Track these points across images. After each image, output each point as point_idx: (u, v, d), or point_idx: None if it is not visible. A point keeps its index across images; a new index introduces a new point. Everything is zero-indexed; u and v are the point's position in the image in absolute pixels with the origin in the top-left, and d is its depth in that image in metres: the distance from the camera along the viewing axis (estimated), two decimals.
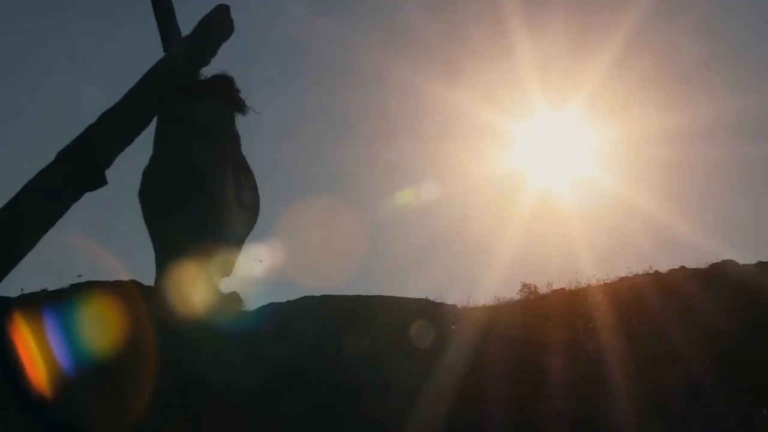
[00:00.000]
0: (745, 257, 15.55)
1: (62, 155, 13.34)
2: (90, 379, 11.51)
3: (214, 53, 15.38)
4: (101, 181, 13.61)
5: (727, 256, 15.40)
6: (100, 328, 12.22)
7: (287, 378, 12.29)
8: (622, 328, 13.21)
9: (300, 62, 41.06)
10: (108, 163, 13.77)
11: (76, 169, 13.31)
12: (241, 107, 14.93)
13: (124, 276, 14.43)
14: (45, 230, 12.98)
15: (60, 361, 11.81)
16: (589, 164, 29.35)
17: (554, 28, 30.04)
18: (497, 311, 14.53)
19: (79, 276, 13.99)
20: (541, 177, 28.61)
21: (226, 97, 14.76)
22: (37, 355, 11.91)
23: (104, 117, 13.79)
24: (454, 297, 15.19)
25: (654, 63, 33.78)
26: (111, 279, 14.21)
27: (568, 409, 11.93)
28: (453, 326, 13.58)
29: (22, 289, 13.62)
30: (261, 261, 16.45)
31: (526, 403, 12.02)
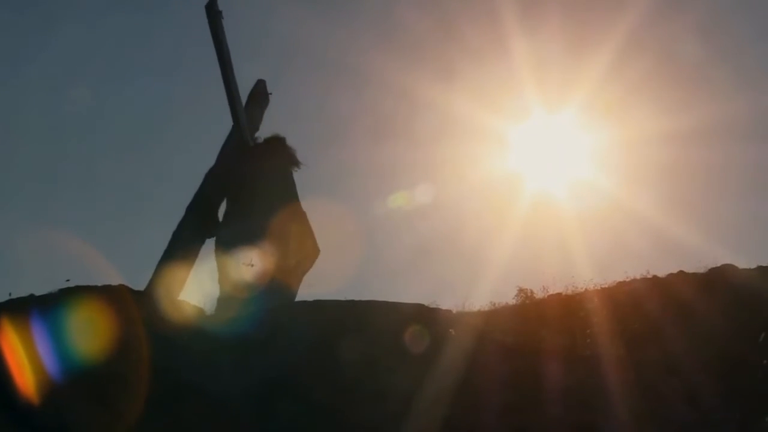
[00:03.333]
0: (745, 262, 15.58)
1: (190, 209, 16.24)
2: (79, 386, 11.56)
3: (260, 120, 17.99)
4: (216, 229, 16.34)
5: (727, 261, 15.42)
6: (90, 333, 12.27)
7: (280, 383, 12.36)
8: (620, 334, 13.27)
9: (291, 62, 41.09)
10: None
11: (203, 220, 16.28)
12: (296, 163, 16.90)
13: (114, 280, 14.48)
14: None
15: (49, 367, 11.85)
16: (587, 167, 29.43)
17: (551, 28, 30.15)
18: (493, 316, 14.54)
19: (68, 280, 14.02)
20: (537, 180, 28.61)
21: (282, 155, 16.86)
22: (25, 361, 11.95)
23: (208, 176, 16.65)
24: (449, 302, 15.20)
25: (653, 63, 33.86)
26: (100, 283, 14.22)
27: (565, 416, 12.00)
28: (448, 331, 13.64)
29: (9, 294, 13.66)
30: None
31: (522, 409, 12.10)
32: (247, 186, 16.36)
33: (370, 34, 38.66)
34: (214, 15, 16.32)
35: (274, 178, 16.59)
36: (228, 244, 15.96)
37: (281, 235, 16.32)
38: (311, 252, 16.99)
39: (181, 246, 15.95)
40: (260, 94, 17.96)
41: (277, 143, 16.92)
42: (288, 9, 34.00)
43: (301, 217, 16.83)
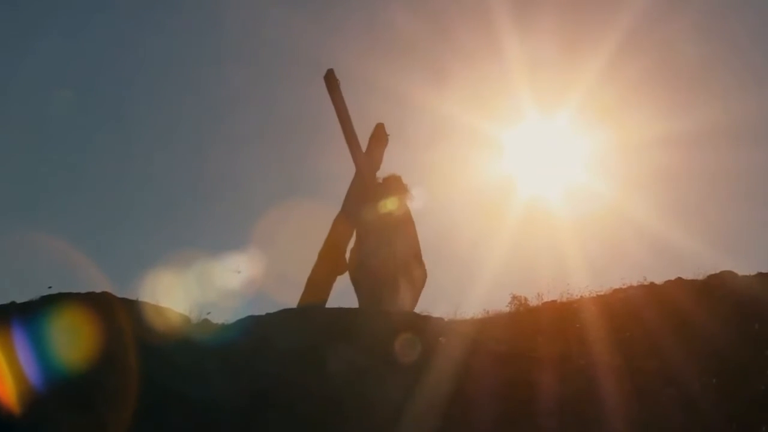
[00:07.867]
0: (744, 268, 15.58)
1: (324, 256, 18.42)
2: (62, 395, 11.54)
3: (381, 160, 20.19)
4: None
5: (726, 267, 15.40)
6: (73, 341, 12.25)
7: (267, 393, 12.36)
8: (616, 342, 13.28)
9: (281, 65, 41.11)
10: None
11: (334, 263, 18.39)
12: (410, 197, 19.18)
13: (100, 287, 14.42)
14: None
15: (30, 376, 11.83)
16: (582, 171, 29.37)
17: (545, 29, 30.20)
18: (486, 324, 14.53)
19: (50, 287, 14.00)
20: (531, 184, 28.53)
21: (399, 192, 19.18)
22: (5, 370, 11.93)
23: (336, 222, 18.90)
24: (440, 309, 15.22)
25: (649, 65, 33.94)
26: (83, 290, 14.18)
27: (560, 427, 12.03)
28: (440, 340, 13.63)
29: None
30: (240, 272, 16.58)
31: (515, 420, 12.12)
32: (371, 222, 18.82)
33: (360, 36, 38.71)
34: (333, 83, 19.23)
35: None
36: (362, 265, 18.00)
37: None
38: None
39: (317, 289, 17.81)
40: (380, 136, 20.25)
41: (395, 182, 19.23)
42: (279, 12, 34.05)
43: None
